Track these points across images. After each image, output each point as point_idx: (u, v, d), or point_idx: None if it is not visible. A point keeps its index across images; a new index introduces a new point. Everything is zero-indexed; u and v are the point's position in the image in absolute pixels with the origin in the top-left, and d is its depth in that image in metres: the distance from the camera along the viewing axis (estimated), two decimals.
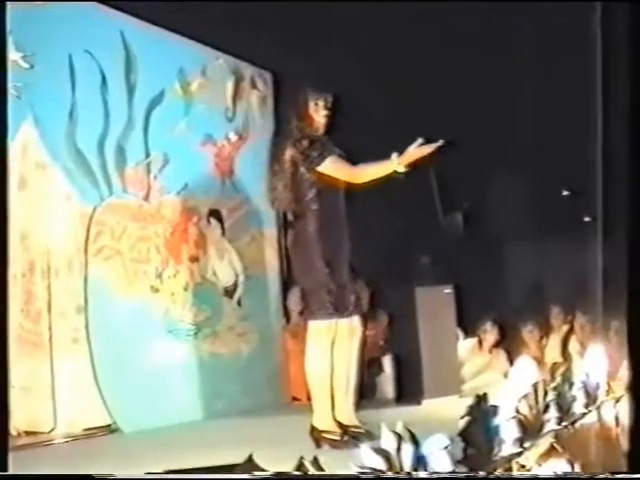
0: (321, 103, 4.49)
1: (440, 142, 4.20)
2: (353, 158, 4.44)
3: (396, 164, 4.27)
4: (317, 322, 4.45)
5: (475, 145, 5.89)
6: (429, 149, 4.23)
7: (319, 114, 4.50)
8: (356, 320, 4.59)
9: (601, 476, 3.31)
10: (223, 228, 5.99)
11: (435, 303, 5.98)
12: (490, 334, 6.38)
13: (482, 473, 3.09)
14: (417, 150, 4.25)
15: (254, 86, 6.32)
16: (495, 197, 6.39)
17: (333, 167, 4.38)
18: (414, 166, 4.26)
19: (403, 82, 6.11)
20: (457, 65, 5.95)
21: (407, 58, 6.02)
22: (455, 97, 6.12)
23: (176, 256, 5.66)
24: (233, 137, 6.14)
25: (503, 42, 5.90)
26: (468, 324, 6.31)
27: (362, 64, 5.96)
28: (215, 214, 5.96)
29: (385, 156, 4.30)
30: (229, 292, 6.01)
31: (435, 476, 2.91)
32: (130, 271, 5.39)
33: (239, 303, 6.07)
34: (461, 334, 6.32)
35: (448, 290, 5.98)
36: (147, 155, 5.53)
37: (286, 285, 6.29)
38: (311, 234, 4.40)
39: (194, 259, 5.78)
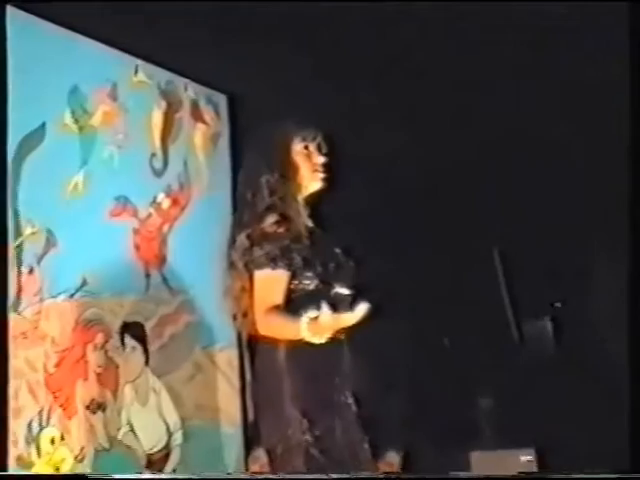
0: (313, 146, 3.74)
1: (364, 307, 3.31)
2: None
3: (305, 330, 3.42)
4: None
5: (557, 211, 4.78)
6: (353, 318, 3.34)
7: (311, 162, 3.73)
8: None
9: (601, 476, 3.35)
10: (147, 352, 4.62)
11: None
12: None
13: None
14: (334, 318, 3.39)
15: (199, 117, 5.06)
16: (601, 289, 5.02)
17: (262, 285, 3.60)
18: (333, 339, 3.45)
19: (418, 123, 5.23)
20: None
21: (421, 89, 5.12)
22: None
23: (66, 403, 4.24)
24: (164, 201, 4.84)
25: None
26: None
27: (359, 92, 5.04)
28: (134, 330, 4.60)
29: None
30: (156, 462, 4.60)
31: (430, 476, 3.08)
32: None
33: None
34: None
35: (528, 457, 4.57)
36: (18, 233, 4.18)
37: (250, 444, 4.78)
38: (281, 361, 3.57)
39: (97, 407, 4.36)
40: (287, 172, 3.71)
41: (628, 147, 4.40)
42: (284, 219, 3.64)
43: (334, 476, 2.86)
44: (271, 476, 2.83)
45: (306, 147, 3.73)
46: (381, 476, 2.92)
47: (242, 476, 2.90)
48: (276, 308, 3.55)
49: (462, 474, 3.24)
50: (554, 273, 4.67)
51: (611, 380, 4.80)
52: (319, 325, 3.43)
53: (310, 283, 3.63)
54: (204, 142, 5.13)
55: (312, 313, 3.42)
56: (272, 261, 3.56)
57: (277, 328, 3.57)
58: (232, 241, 3.70)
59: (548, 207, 4.77)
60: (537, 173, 5.32)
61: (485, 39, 4.82)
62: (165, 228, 4.81)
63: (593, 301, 4.96)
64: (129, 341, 4.55)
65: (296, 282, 3.62)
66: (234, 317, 3.75)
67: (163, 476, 3.20)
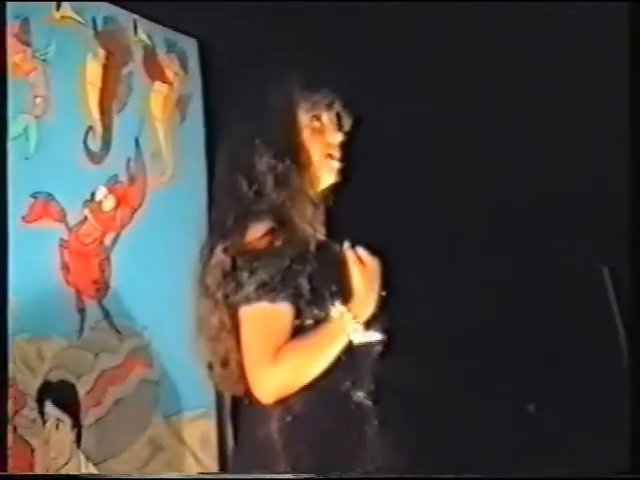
0: (328, 117, 2.75)
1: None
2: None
3: (350, 322, 2.56)
4: None
5: None
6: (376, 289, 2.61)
7: (322, 142, 2.73)
8: None
9: (602, 476, 3.11)
10: (79, 427, 3.40)
11: None
12: None
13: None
14: (368, 283, 2.59)
15: (157, 73, 3.82)
16: None
17: (256, 324, 2.64)
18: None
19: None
20: None
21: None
22: None
23: None
24: (106, 200, 3.61)
25: None
26: None
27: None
28: (59, 393, 3.39)
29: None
30: None
31: (432, 476, 2.80)
32: None
33: None
34: None
35: None
36: None
37: None
38: (278, 433, 2.60)
39: None
40: (297, 156, 2.75)
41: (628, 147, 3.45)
42: (281, 227, 2.71)
43: (333, 476, 2.48)
44: (268, 476, 2.51)
45: (317, 118, 2.73)
46: (381, 476, 2.54)
47: (241, 476, 2.59)
48: (282, 347, 2.64)
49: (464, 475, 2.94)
50: None
51: None
52: (358, 305, 2.65)
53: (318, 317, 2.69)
54: (165, 109, 3.86)
55: (339, 307, 2.65)
56: (270, 291, 2.59)
57: (292, 369, 2.65)
58: (208, 257, 2.70)
59: None
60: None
61: (484, 39, 4.36)
62: (108, 239, 3.59)
63: None
64: (52, 411, 3.33)
65: (299, 321, 2.64)
66: (209, 366, 2.76)
67: (163, 476, 3.09)
